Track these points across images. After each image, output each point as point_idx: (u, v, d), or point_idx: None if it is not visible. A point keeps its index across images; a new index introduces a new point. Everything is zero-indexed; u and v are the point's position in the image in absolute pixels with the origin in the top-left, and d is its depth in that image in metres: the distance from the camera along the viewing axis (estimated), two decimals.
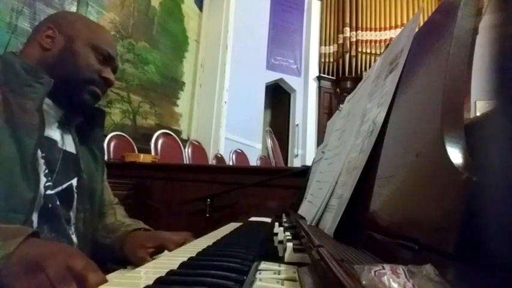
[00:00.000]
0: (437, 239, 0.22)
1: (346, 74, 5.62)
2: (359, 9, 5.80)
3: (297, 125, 5.59)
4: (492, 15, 0.20)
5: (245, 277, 0.37)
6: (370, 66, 4.76)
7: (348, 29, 5.75)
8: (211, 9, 4.46)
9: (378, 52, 5.52)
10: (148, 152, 2.69)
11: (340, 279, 0.21)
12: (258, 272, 0.43)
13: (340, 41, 5.77)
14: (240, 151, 3.96)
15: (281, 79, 5.55)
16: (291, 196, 1.37)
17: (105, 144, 2.35)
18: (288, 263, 0.46)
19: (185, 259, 0.46)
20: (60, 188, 0.73)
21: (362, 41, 5.67)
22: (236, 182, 1.75)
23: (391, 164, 0.36)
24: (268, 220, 1.17)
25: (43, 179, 0.68)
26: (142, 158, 2.22)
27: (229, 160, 3.71)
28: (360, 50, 5.63)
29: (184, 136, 4.00)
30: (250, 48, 4.88)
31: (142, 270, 0.49)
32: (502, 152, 0.17)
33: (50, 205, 0.69)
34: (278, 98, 6.02)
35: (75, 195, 0.78)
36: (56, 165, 0.73)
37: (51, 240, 0.68)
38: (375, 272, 0.20)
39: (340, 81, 5.70)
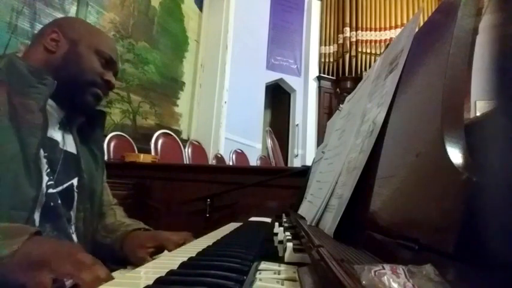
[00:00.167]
0: (437, 239, 0.22)
1: (346, 74, 5.62)
2: (359, 9, 5.80)
3: (297, 125, 5.59)
4: (492, 15, 0.20)
5: (245, 277, 0.37)
6: (370, 66, 4.76)
7: (348, 29, 5.75)
8: (211, 9, 4.46)
9: (378, 52, 5.52)
10: (148, 152, 2.69)
11: (340, 279, 0.21)
12: (258, 272, 0.43)
13: (340, 41, 5.77)
14: (240, 151, 3.96)
15: (281, 79, 5.55)
16: (291, 196, 1.37)
17: (105, 144, 2.35)
18: (288, 263, 0.46)
19: (185, 259, 0.46)
20: (61, 188, 0.74)
21: (362, 41, 5.67)
22: (236, 182, 1.75)
23: (391, 164, 0.36)
24: (268, 220, 1.17)
25: (45, 178, 0.69)
26: (142, 158, 2.22)
27: (229, 160, 3.71)
28: (360, 50, 5.63)
29: (184, 136, 4.00)
30: (250, 48, 4.88)
31: (142, 270, 0.49)
32: (502, 152, 0.17)
33: (52, 204, 0.70)
34: (278, 98, 6.02)
35: (76, 194, 0.79)
36: (57, 165, 0.74)
37: (53, 238, 0.69)
38: (375, 272, 0.20)
39: (340, 81, 5.70)
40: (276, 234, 0.62)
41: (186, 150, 3.26)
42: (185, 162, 3.11)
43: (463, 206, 0.20)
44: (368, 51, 5.60)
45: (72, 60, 0.76)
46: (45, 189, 0.69)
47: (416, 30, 0.44)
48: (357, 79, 5.10)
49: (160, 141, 2.91)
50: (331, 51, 5.83)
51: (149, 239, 0.78)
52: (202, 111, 4.25)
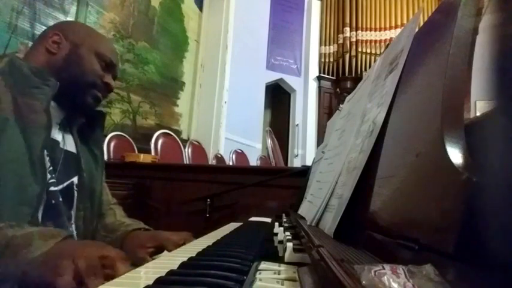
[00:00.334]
0: (437, 239, 0.22)
1: (346, 74, 5.62)
2: (359, 9, 5.80)
3: (297, 125, 5.59)
4: (492, 15, 0.20)
5: (245, 277, 0.37)
6: (370, 66, 4.77)
7: (348, 29, 5.75)
8: (211, 9, 4.46)
9: (378, 52, 5.52)
10: (148, 152, 2.69)
11: (340, 279, 0.21)
12: (258, 272, 0.43)
13: (340, 41, 5.77)
14: (240, 151, 3.96)
15: (281, 79, 5.55)
16: (291, 196, 1.37)
17: (105, 144, 2.35)
18: (288, 263, 0.46)
19: (185, 259, 0.46)
20: (62, 186, 0.76)
21: (362, 41, 5.67)
22: (236, 182, 1.75)
23: (391, 164, 0.36)
24: (268, 220, 1.17)
25: (47, 176, 0.71)
26: (142, 158, 2.22)
27: (229, 160, 3.70)
28: (360, 50, 5.62)
29: (184, 136, 4.00)
30: (250, 48, 4.88)
31: (142, 270, 0.49)
32: (502, 152, 0.17)
33: (53, 201, 0.72)
34: (278, 98, 6.02)
35: (76, 193, 0.80)
36: (58, 164, 0.76)
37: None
38: (375, 272, 0.20)
39: (340, 81, 5.69)
40: (276, 234, 0.62)
41: (186, 150, 3.26)
42: (185, 162, 3.11)
43: (463, 206, 0.20)
44: (368, 51, 5.60)
45: (73, 62, 0.78)
46: (47, 187, 0.70)
47: (416, 30, 0.44)
48: (357, 79, 5.10)
49: (160, 141, 2.91)
50: (331, 51, 5.83)
51: (149, 239, 0.78)
52: (202, 111, 4.25)
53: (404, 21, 5.44)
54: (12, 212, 0.61)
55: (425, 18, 0.41)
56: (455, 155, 0.23)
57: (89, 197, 0.83)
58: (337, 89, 5.65)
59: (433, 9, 0.40)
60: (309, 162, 2.00)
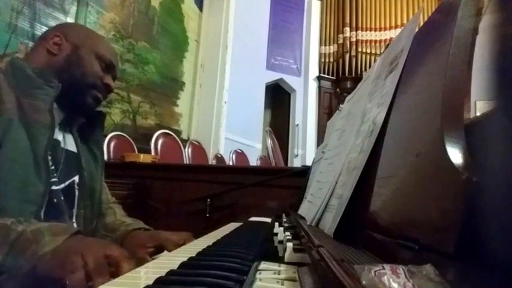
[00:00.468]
0: (437, 239, 0.22)
1: (346, 74, 5.62)
2: (359, 9, 5.80)
3: (297, 125, 5.59)
4: (492, 15, 0.20)
5: (245, 277, 0.37)
6: (370, 66, 4.76)
7: (348, 29, 5.75)
8: (211, 9, 4.46)
9: (378, 52, 5.52)
10: (148, 152, 2.69)
11: (340, 279, 0.21)
12: (258, 272, 0.43)
13: (340, 41, 5.77)
14: (240, 151, 3.96)
15: (281, 79, 5.55)
16: (291, 196, 1.37)
17: (105, 144, 2.35)
18: (288, 263, 0.46)
19: (185, 259, 0.46)
20: (63, 185, 0.77)
21: (362, 41, 5.67)
22: (236, 182, 1.75)
23: (391, 164, 0.36)
24: (268, 220, 1.17)
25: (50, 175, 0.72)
26: (142, 158, 2.22)
27: (229, 160, 3.70)
28: (360, 50, 5.62)
29: (184, 136, 4.00)
30: (250, 48, 4.88)
31: (142, 270, 0.49)
32: (502, 152, 0.17)
33: (55, 200, 0.73)
34: (278, 98, 6.02)
35: (77, 192, 0.81)
36: (60, 164, 0.77)
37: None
38: (375, 272, 0.20)
39: (340, 81, 5.69)
40: (276, 234, 0.62)
41: (186, 150, 3.26)
42: (185, 162, 3.11)
43: (463, 206, 0.20)
44: (368, 51, 5.60)
45: (73, 63, 0.79)
46: (49, 186, 0.71)
47: (416, 30, 0.44)
48: (357, 79, 5.10)
49: (160, 141, 2.91)
50: (331, 51, 5.83)
51: (149, 239, 0.78)
52: (202, 111, 4.25)
53: (404, 21, 5.43)
54: (17, 210, 0.62)
55: (425, 18, 0.41)
56: (455, 155, 0.23)
57: (89, 196, 0.84)
58: (337, 89, 5.65)
59: (433, 9, 0.40)
60: (309, 162, 2.00)
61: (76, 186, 0.81)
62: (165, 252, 0.74)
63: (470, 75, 0.28)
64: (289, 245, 0.47)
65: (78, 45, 0.81)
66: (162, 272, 0.39)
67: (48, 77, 0.73)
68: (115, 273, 0.50)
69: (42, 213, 0.69)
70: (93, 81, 0.81)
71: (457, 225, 0.20)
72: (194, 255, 0.50)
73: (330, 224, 0.46)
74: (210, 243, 0.62)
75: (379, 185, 0.37)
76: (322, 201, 0.55)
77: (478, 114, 0.28)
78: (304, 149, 5.47)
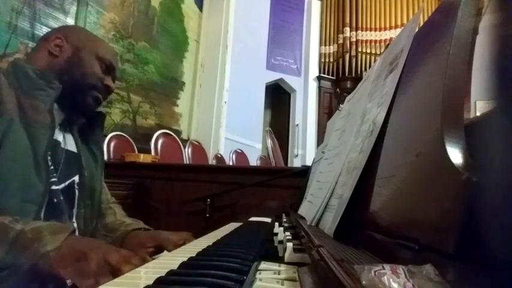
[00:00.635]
0: (437, 239, 0.22)
1: (346, 74, 5.62)
2: (359, 9, 5.80)
3: (297, 125, 5.59)
4: (492, 15, 0.20)
5: (245, 277, 0.37)
6: (370, 66, 4.76)
7: (348, 29, 5.75)
8: (211, 9, 4.46)
9: (378, 52, 5.52)
10: (148, 152, 2.69)
11: (340, 279, 0.21)
12: (258, 272, 0.43)
13: (340, 41, 5.77)
14: (240, 151, 3.96)
15: (281, 79, 5.55)
16: (291, 196, 1.37)
17: (105, 144, 2.35)
18: (288, 263, 0.46)
19: (185, 259, 0.46)
20: (63, 185, 0.78)
21: (362, 41, 5.67)
22: (236, 182, 1.75)
23: (391, 164, 0.36)
24: (268, 220, 1.17)
25: (50, 175, 0.73)
26: (142, 158, 2.22)
27: (229, 160, 3.70)
28: (360, 50, 5.62)
29: (184, 136, 4.00)
30: (250, 48, 4.88)
31: (142, 270, 0.49)
32: (502, 152, 0.17)
33: (55, 200, 0.73)
34: (278, 98, 6.02)
35: (77, 192, 0.82)
36: (60, 164, 0.78)
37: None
38: (375, 272, 0.20)
39: (340, 81, 5.69)
40: (276, 234, 0.62)
41: (186, 150, 3.26)
42: (185, 162, 3.11)
43: (463, 206, 0.20)
44: (368, 51, 5.60)
45: (74, 64, 0.80)
46: (49, 186, 0.72)
47: (416, 30, 0.44)
48: (357, 79, 5.10)
49: (160, 141, 2.91)
50: (331, 51, 5.83)
51: (149, 239, 0.78)
52: (202, 111, 4.25)
53: (404, 21, 5.43)
54: (17, 210, 0.63)
55: (425, 18, 0.41)
56: (455, 155, 0.23)
57: (89, 195, 0.85)
58: (337, 89, 5.65)
59: (433, 9, 0.40)
60: (309, 162, 2.00)
61: (76, 186, 0.82)
62: (165, 252, 0.74)
63: (470, 75, 0.28)
64: (289, 245, 0.47)
65: (79, 47, 0.82)
66: (162, 272, 0.39)
67: (49, 78, 0.74)
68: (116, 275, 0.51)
69: (42, 213, 0.70)
70: (94, 82, 0.82)
71: (457, 225, 0.20)
72: (194, 255, 0.50)
73: (330, 224, 0.46)
74: (210, 243, 0.62)
75: (379, 185, 0.37)
76: (322, 201, 0.55)
77: (478, 114, 0.28)
78: (304, 149, 5.47)
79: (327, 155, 0.76)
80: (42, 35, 0.89)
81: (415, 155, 0.29)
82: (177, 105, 3.95)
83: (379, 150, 0.40)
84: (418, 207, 0.27)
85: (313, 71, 5.78)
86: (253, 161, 4.14)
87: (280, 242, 0.56)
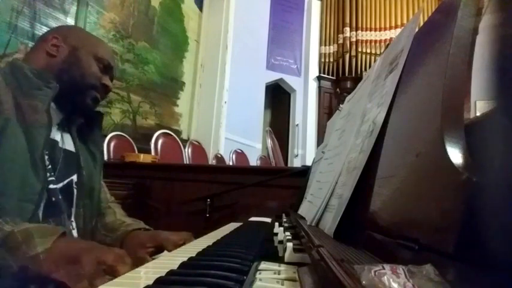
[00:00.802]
0: (437, 239, 0.22)
1: (346, 74, 5.62)
2: (359, 9, 5.80)
3: (297, 125, 5.59)
4: (492, 15, 0.20)
5: (245, 277, 0.37)
6: (370, 66, 4.76)
7: (348, 29, 5.75)
8: (211, 9, 4.46)
9: (378, 52, 5.52)
10: (148, 152, 2.69)
11: (340, 279, 0.21)
12: (258, 272, 0.43)
13: (340, 41, 5.77)
14: (240, 151, 3.96)
15: (281, 79, 5.55)
16: (291, 196, 1.37)
17: (105, 144, 2.35)
18: (288, 263, 0.46)
19: (185, 259, 0.46)
20: (61, 184, 0.78)
21: (362, 41, 5.67)
22: (236, 182, 1.75)
23: (391, 164, 0.36)
24: (268, 220, 1.17)
25: (47, 174, 0.73)
26: (142, 158, 2.22)
27: (229, 160, 3.70)
28: (360, 50, 5.62)
29: (184, 136, 4.00)
30: (250, 48, 4.88)
31: (142, 270, 0.49)
32: (502, 152, 0.17)
33: (54, 199, 0.73)
34: (278, 98, 6.02)
35: (75, 191, 0.82)
36: (58, 163, 0.78)
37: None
38: (375, 272, 0.20)
39: (340, 81, 5.69)
40: (276, 234, 0.62)
41: (186, 150, 3.26)
42: (185, 162, 3.10)
43: (463, 206, 0.20)
44: (368, 51, 5.60)
45: (72, 64, 0.81)
46: (47, 185, 0.72)
47: (416, 30, 0.44)
48: (357, 79, 5.10)
49: (160, 141, 2.91)
50: (331, 51, 5.83)
51: (149, 239, 0.78)
52: (202, 111, 4.25)
53: (404, 21, 5.43)
54: (14, 209, 0.63)
55: (425, 18, 0.41)
56: (455, 155, 0.23)
57: (88, 195, 0.85)
58: (337, 89, 5.65)
59: (433, 9, 0.40)
60: (309, 162, 2.00)
61: (74, 185, 0.82)
62: (165, 252, 0.74)
63: (470, 75, 0.28)
64: (289, 245, 0.47)
65: (77, 47, 0.82)
66: (162, 272, 0.39)
67: (47, 78, 0.74)
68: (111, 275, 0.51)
69: (40, 212, 0.70)
70: (92, 82, 0.82)
71: (457, 225, 0.20)
72: (194, 255, 0.50)
73: (330, 224, 0.46)
74: (210, 243, 0.62)
75: (379, 185, 0.37)
76: (322, 201, 0.55)
77: (478, 114, 0.28)
78: (304, 149, 5.47)
79: (327, 155, 0.76)
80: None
81: (415, 155, 0.29)
82: (177, 105, 3.95)
83: (379, 150, 0.40)
84: (418, 207, 0.27)
85: (313, 71, 5.78)
86: (253, 161, 4.13)
87: (280, 242, 0.56)
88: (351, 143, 0.54)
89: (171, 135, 3.15)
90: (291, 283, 0.39)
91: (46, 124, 0.72)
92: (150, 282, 0.36)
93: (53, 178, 0.74)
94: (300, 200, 0.96)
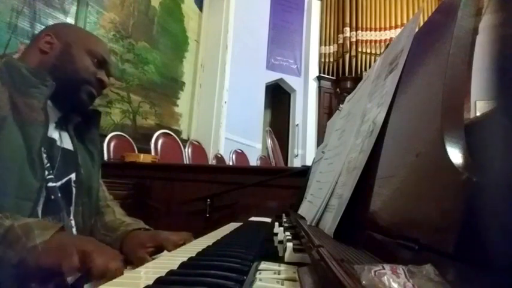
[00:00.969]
0: (437, 239, 0.22)
1: (346, 74, 5.62)
2: (359, 9, 5.80)
3: (297, 125, 5.59)
4: (492, 15, 0.20)
5: (245, 277, 0.37)
6: (370, 66, 4.76)
7: (348, 29, 5.75)
8: (211, 9, 4.46)
9: (378, 52, 5.52)
10: (148, 152, 2.69)
11: (340, 279, 0.21)
12: (258, 272, 0.43)
13: (340, 41, 5.77)
14: (240, 151, 3.96)
15: (281, 79, 5.55)
16: (291, 196, 1.37)
17: (105, 144, 2.35)
18: (288, 263, 0.46)
19: (185, 259, 0.46)
20: (60, 183, 0.78)
21: (362, 41, 5.67)
22: (236, 182, 1.75)
23: (391, 164, 0.36)
24: (268, 220, 1.17)
25: (45, 172, 0.73)
26: (142, 158, 2.22)
27: (229, 160, 3.70)
28: (360, 50, 5.62)
29: (184, 136, 4.00)
30: (250, 48, 4.88)
31: (142, 270, 0.49)
32: (502, 152, 0.17)
33: (53, 197, 0.73)
34: (278, 98, 6.02)
35: (74, 189, 0.82)
36: (56, 161, 0.78)
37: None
38: (375, 272, 0.20)
39: (340, 81, 5.69)
40: (276, 234, 0.62)
41: (186, 150, 3.26)
42: (185, 162, 3.10)
43: (463, 206, 0.20)
44: (368, 51, 5.60)
45: (65, 60, 0.80)
46: (46, 183, 0.72)
47: (416, 30, 0.44)
48: (357, 79, 5.10)
49: (160, 141, 2.91)
50: (331, 51, 5.83)
51: (149, 239, 0.78)
52: (202, 111, 4.25)
53: (404, 21, 5.43)
54: (12, 207, 0.63)
55: (425, 18, 0.41)
56: (455, 155, 0.23)
57: (86, 193, 0.85)
58: (337, 89, 5.65)
59: (433, 9, 0.40)
60: (309, 162, 2.00)
61: (73, 184, 0.82)
62: (165, 252, 0.74)
63: (470, 75, 0.28)
64: (289, 245, 0.47)
65: (69, 43, 0.82)
66: (162, 272, 0.39)
67: (43, 76, 0.74)
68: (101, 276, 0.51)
69: (40, 210, 0.70)
70: (86, 76, 0.82)
71: (457, 225, 0.20)
72: (194, 255, 0.50)
73: (330, 224, 0.46)
74: (210, 243, 0.62)
75: (379, 185, 0.37)
76: (322, 201, 0.55)
77: (478, 114, 0.28)
78: (304, 149, 5.47)
79: (327, 155, 0.76)
80: None
81: (415, 155, 0.29)
82: (177, 105, 3.95)
83: (379, 150, 0.40)
84: (418, 207, 0.27)
85: (313, 71, 5.78)
86: (253, 161, 4.13)
87: (280, 242, 0.56)
88: (351, 143, 0.54)
89: (171, 135, 3.15)
90: (291, 283, 0.39)
91: (43, 122, 0.72)
92: (150, 282, 0.36)
93: (52, 176, 0.74)
94: (300, 200, 0.96)
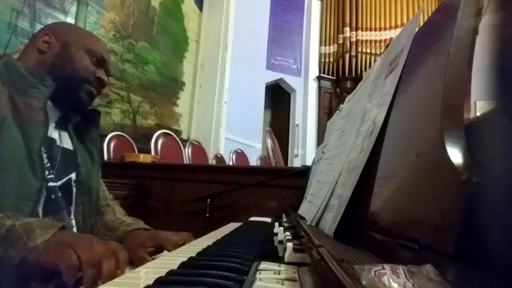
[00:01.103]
0: (437, 239, 0.22)
1: (346, 74, 5.62)
2: (359, 9, 5.80)
3: (297, 125, 5.59)
4: (492, 15, 0.20)
5: (245, 277, 0.37)
6: (370, 66, 4.76)
7: (348, 29, 5.75)
8: (211, 9, 4.46)
9: (378, 52, 5.52)
10: (148, 152, 2.69)
11: (340, 279, 0.21)
12: (258, 272, 0.43)
13: (340, 41, 5.77)
14: (240, 151, 3.96)
15: (281, 79, 5.55)
16: (291, 196, 1.37)
17: (105, 144, 2.35)
18: (288, 263, 0.46)
19: (185, 259, 0.46)
20: (60, 182, 0.78)
21: (362, 41, 5.67)
22: (236, 182, 1.75)
23: (391, 164, 0.36)
24: (268, 220, 1.17)
25: (45, 172, 0.73)
26: (142, 158, 2.22)
27: (229, 160, 3.70)
28: (360, 50, 5.62)
29: (184, 136, 4.00)
30: (250, 48, 4.88)
31: (142, 270, 0.49)
32: (502, 152, 0.17)
33: (53, 196, 0.74)
34: (278, 98, 6.02)
35: (74, 189, 0.82)
36: (56, 161, 0.78)
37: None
38: (375, 272, 0.20)
39: (340, 81, 5.69)
40: (276, 234, 0.62)
41: (186, 150, 3.26)
42: (185, 162, 3.10)
43: (463, 206, 0.20)
44: (368, 51, 5.60)
45: (64, 59, 0.80)
46: (46, 183, 0.72)
47: (416, 30, 0.44)
48: (357, 79, 5.10)
49: (160, 141, 2.91)
50: (331, 51, 5.83)
51: (149, 239, 0.78)
52: (202, 111, 4.25)
53: (404, 21, 5.43)
54: (12, 207, 0.63)
55: (425, 18, 0.41)
56: (455, 155, 0.23)
57: (86, 193, 0.85)
58: (337, 89, 5.65)
59: (433, 9, 0.40)
60: (309, 162, 2.00)
61: (73, 183, 0.82)
62: (165, 252, 0.74)
63: (470, 75, 0.28)
64: (289, 245, 0.47)
65: (67, 42, 0.81)
66: (162, 272, 0.39)
67: (43, 76, 0.74)
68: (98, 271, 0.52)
69: (40, 210, 0.70)
70: (85, 75, 0.82)
71: (457, 225, 0.20)
72: (194, 255, 0.50)
73: (330, 224, 0.46)
74: (210, 243, 0.62)
75: (379, 185, 0.37)
76: (322, 201, 0.55)
77: (478, 114, 0.28)
78: (304, 149, 5.47)
79: (327, 155, 0.76)
80: None
81: (415, 155, 0.29)
82: (177, 105, 3.95)
83: (379, 150, 0.40)
84: (418, 207, 0.27)
85: (313, 71, 5.78)
86: (253, 161, 4.13)
87: (280, 242, 0.56)
88: (351, 143, 0.54)
89: (171, 135, 3.15)
90: (291, 283, 0.39)
91: (43, 122, 0.72)
92: (150, 282, 0.36)
93: (52, 176, 0.75)
94: (300, 200, 0.96)
